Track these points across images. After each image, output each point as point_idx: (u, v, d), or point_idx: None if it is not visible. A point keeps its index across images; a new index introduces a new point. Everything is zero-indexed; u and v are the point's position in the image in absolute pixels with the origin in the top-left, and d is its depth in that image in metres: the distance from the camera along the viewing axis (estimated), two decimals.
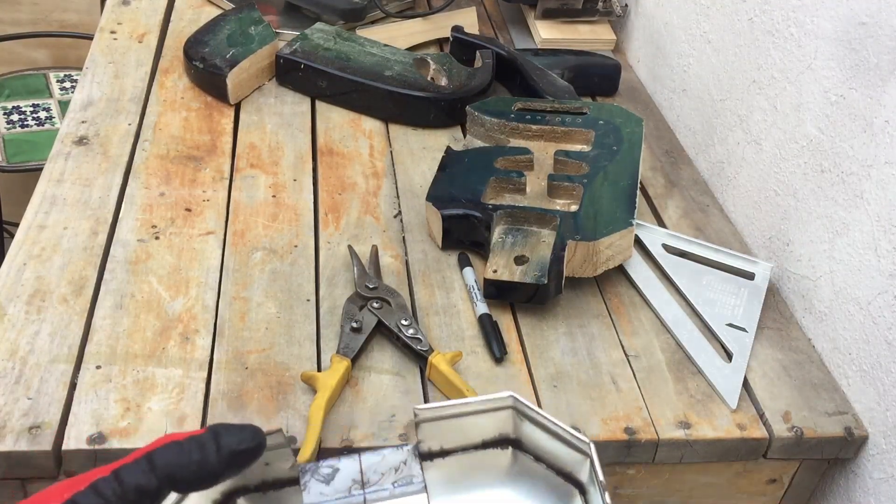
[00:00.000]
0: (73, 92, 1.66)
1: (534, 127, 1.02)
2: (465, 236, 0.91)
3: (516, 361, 0.81)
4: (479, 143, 1.05)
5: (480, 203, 0.91)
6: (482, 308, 0.84)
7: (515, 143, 1.02)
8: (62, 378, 0.73)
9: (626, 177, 0.95)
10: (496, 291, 0.85)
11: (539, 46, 1.30)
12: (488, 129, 1.04)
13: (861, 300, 0.82)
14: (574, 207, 0.92)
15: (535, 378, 0.79)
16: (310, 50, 1.13)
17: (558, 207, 0.92)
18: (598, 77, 1.22)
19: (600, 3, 1.32)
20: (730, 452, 0.78)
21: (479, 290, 0.86)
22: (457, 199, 0.91)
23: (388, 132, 1.10)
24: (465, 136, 1.08)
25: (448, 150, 1.00)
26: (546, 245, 0.87)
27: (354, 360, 0.77)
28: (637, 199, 0.92)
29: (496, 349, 0.80)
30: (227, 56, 1.09)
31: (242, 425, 0.47)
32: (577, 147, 1.01)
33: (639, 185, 0.96)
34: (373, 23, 1.27)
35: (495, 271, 0.84)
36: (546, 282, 0.83)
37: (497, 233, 0.88)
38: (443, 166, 0.97)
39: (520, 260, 0.86)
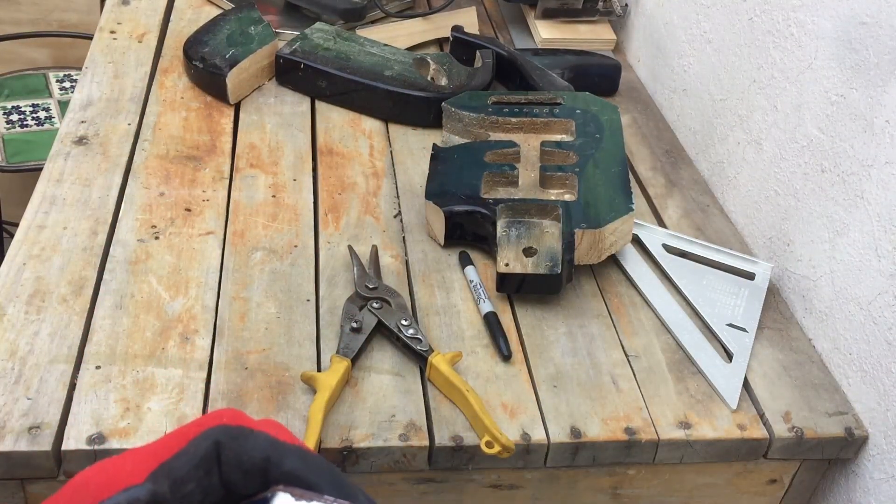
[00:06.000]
0: (72, 92, 1.66)
1: (513, 120, 1.02)
2: (468, 232, 0.91)
3: (517, 361, 0.81)
4: (457, 139, 1.05)
5: (481, 198, 0.91)
6: (487, 306, 0.84)
7: (496, 136, 1.02)
8: (62, 378, 0.73)
9: (615, 163, 0.95)
10: (510, 285, 0.85)
11: (539, 46, 1.30)
12: (466, 124, 1.04)
13: (861, 300, 0.82)
14: (568, 197, 0.93)
15: (535, 378, 0.79)
16: (310, 50, 1.13)
17: (553, 197, 0.92)
18: (598, 77, 1.22)
19: (600, 3, 1.32)
20: (730, 453, 0.78)
21: (483, 287, 0.86)
22: (456, 196, 0.91)
23: (388, 132, 1.09)
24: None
25: (435, 147, 1.00)
26: (550, 235, 0.87)
27: (354, 361, 0.77)
28: (630, 184, 0.92)
29: (504, 347, 0.80)
30: (227, 56, 1.09)
31: None
32: (558, 137, 1.01)
33: (629, 170, 0.96)
34: (373, 23, 1.27)
35: (507, 265, 0.84)
36: (559, 271, 0.83)
37: (500, 227, 0.88)
38: (434, 164, 0.97)
39: (529, 252, 0.86)
